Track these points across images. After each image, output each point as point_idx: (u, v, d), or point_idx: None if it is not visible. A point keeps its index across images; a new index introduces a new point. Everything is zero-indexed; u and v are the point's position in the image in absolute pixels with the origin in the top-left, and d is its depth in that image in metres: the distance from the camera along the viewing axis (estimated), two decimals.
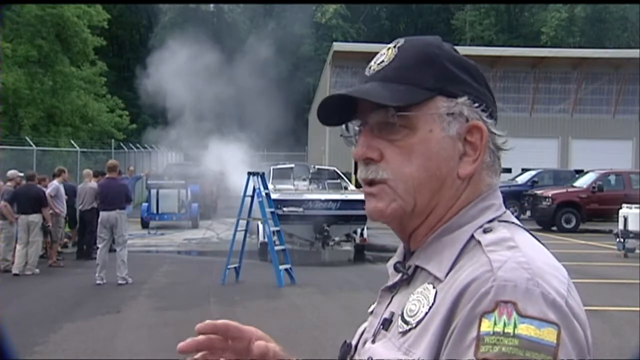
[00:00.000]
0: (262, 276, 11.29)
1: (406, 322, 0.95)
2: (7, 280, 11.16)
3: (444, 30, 49.62)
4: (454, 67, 1.02)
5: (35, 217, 11.77)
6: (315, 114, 1.11)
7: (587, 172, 21.60)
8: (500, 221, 1.00)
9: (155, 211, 19.44)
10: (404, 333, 0.94)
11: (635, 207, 13.85)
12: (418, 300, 0.95)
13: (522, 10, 50.95)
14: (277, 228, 11.24)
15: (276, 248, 10.89)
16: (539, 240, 0.99)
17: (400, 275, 1.04)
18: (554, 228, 19.44)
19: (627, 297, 9.59)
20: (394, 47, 1.05)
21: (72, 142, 21.98)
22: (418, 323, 0.93)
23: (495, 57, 30.79)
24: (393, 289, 1.06)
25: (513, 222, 1.01)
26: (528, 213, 20.94)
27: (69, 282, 11.14)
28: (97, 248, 11.10)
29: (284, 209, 12.77)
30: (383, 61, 1.05)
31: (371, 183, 1.03)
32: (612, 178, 20.27)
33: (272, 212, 11.18)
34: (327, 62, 32.30)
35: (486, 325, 0.83)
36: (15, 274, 11.46)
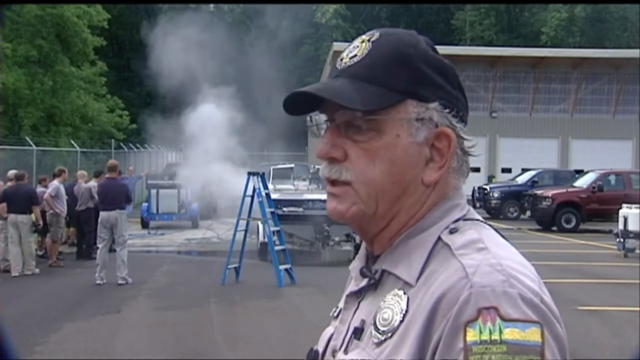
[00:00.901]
0: (262, 276, 11.28)
1: (380, 332, 0.93)
2: (7, 281, 11.16)
3: (444, 30, 49.64)
4: (428, 69, 0.99)
5: (24, 218, 11.66)
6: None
7: (587, 172, 21.59)
8: (465, 220, 0.99)
9: (155, 211, 19.44)
10: (379, 343, 0.92)
11: (635, 207, 13.84)
12: (390, 308, 0.93)
13: (522, 10, 50.90)
14: (277, 228, 11.24)
15: (276, 248, 10.89)
16: (503, 237, 0.98)
17: (366, 280, 1.02)
18: (554, 228, 19.43)
19: (627, 297, 9.58)
20: (368, 40, 1.01)
21: (72, 142, 21.99)
22: (393, 333, 0.91)
23: (495, 57, 30.79)
24: (359, 295, 1.03)
25: (477, 220, 1.00)
26: (528, 213, 20.94)
27: (69, 282, 11.14)
28: (97, 248, 11.11)
29: (284, 209, 12.77)
30: (356, 55, 1.01)
31: (334, 183, 1.01)
32: (612, 178, 20.25)
33: (272, 212, 11.18)
34: (327, 62, 32.32)
35: (472, 335, 0.82)
36: (15, 275, 11.46)
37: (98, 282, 10.60)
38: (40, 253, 13.26)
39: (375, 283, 1.00)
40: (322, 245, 13.50)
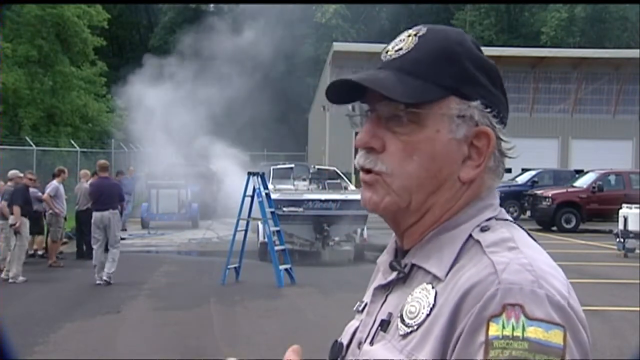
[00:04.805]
0: (262, 276, 11.28)
1: (406, 325, 0.94)
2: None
3: None
4: (473, 68, 1.00)
5: (12, 219, 11.22)
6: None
7: (587, 172, 21.60)
8: (497, 219, 1.00)
9: (155, 211, 19.41)
10: (405, 336, 0.93)
11: (635, 207, 13.84)
12: (417, 301, 0.94)
13: (522, 10, 50.87)
14: (277, 228, 11.24)
15: (276, 248, 10.89)
16: (534, 239, 0.99)
17: (395, 273, 1.03)
18: (554, 228, 19.43)
19: (627, 297, 9.59)
20: (415, 35, 1.02)
21: (72, 142, 21.99)
22: (419, 326, 0.92)
23: (495, 57, 30.21)
24: (387, 288, 1.04)
25: (509, 220, 1.01)
26: (528, 213, 20.94)
27: (69, 282, 11.13)
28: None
29: (284, 209, 12.77)
30: (401, 49, 1.02)
31: (368, 171, 1.02)
32: (612, 178, 20.26)
33: (272, 212, 11.18)
34: (327, 62, 32.29)
35: (494, 329, 0.83)
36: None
37: (98, 282, 10.59)
38: (40, 253, 13.26)
39: (404, 277, 1.01)
40: (322, 245, 13.51)
